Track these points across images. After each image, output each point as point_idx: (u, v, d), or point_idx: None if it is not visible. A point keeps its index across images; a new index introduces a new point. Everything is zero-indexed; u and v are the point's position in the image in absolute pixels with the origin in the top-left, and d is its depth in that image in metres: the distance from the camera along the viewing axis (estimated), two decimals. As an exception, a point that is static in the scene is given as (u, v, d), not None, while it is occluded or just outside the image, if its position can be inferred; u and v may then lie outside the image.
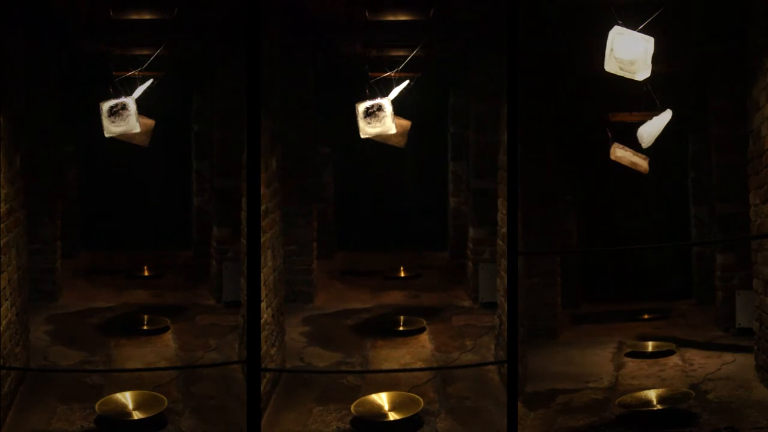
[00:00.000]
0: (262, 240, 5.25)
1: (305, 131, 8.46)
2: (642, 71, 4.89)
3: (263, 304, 5.30)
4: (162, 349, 6.57)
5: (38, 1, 6.13)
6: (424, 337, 7.27)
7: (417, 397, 5.54)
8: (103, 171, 10.15)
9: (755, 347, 5.98)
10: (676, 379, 6.06)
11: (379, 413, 5.38)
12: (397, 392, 5.67)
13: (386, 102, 6.45)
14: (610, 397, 5.65)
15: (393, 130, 6.42)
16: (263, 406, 5.31)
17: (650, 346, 6.70)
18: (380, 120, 6.38)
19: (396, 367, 6.40)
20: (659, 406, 5.37)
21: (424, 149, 11.37)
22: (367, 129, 6.45)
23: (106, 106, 5.94)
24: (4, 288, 5.12)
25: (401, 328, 7.47)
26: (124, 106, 5.93)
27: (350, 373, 6.24)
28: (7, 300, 5.12)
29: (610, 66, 4.92)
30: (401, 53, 7.71)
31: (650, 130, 6.32)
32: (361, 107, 6.36)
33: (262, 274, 5.22)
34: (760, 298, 5.80)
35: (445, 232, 11.38)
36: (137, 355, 6.40)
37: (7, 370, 4.93)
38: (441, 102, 11.10)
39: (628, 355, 6.61)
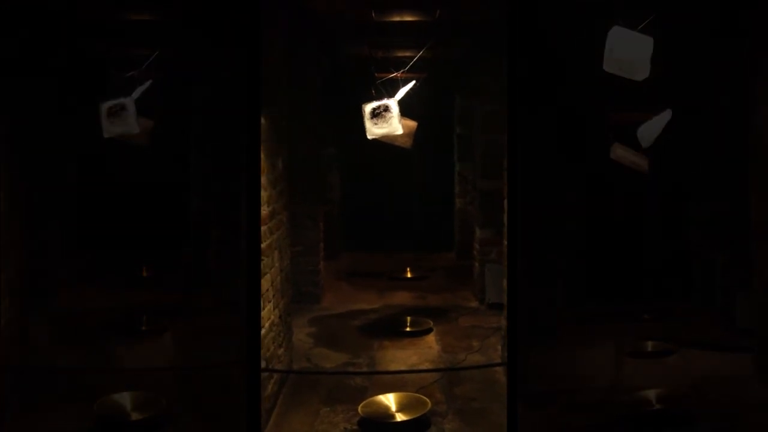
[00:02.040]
0: (269, 241, 5.25)
1: (311, 132, 8.48)
2: (641, 71, 4.89)
3: (270, 305, 5.30)
4: (161, 349, 6.57)
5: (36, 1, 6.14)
6: (431, 338, 7.27)
7: (424, 398, 5.54)
8: (102, 171, 10.18)
9: (756, 347, 5.96)
10: (676, 379, 6.05)
11: (386, 414, 5.37)
12: (405, 393, 5.67)
13: (393, 103, 6.44)
14: (610, 397, 5.64)
15: (400, 131, 6.42)
16: (270, 407, 5.32)
17: (650, 345, 6.69)
18: (387, 121, 6.37)
19: (403, 368, 6.39)
20: (659, 406, 5.36)
21: (430, 150, 11.38)
22: (374, 130, 6.43)
23: (105, 106, 5.95)
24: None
25: (408, 329, 7.48)
26: (122, 107, 5.93)
27: (357, 374, 6.24)
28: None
29: (610, 66, 4.92)
30: (407, 54, 7.71)
31: (650, 129, 6.31)
32: (368, 108, 6.36)
33: (269, 275, 5.22)
34: (761, 298, 5.78)
35: (451, 232, 11.40)
36: (135, 355, 6.41)
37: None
38: (447, 103, 11.12)
39: (629, 354, 6.59)
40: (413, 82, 6.67)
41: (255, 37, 3.52)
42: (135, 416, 5.14)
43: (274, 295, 5.46)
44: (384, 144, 6.67)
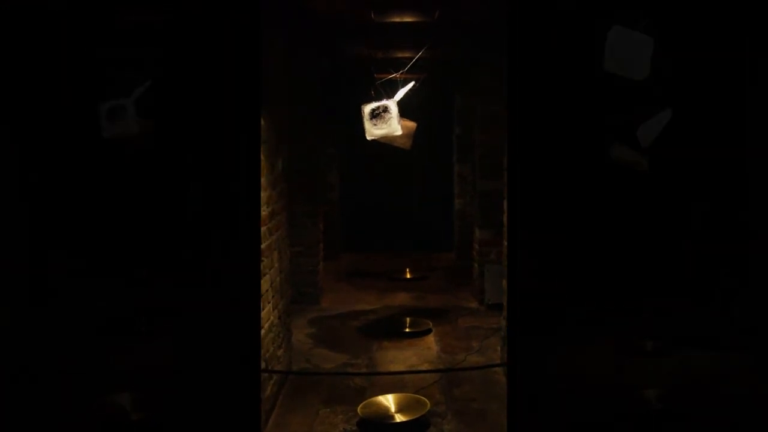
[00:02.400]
0: (269, 242, 5.25)
1: (311, 132, 8.49)
2: (642, 71, 4.90)
3: (269, 306, 5.30)
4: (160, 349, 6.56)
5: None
6: (431, 339, 7.27)
7: (423, 398, 5.54)
8: (103, 171, 10.19)
9: (755, 346, 5.97)
10: (676, 377, 6.04)
11: (385, 415, 5.37)
12: (404, 394, 5.67)
13: (392, 103, 6.44)
14: (609, 395, 5.63)
15: (399, 132, 6.42)
16: (269, 408, 5.32)
17: (650, 345, 6.69)
18: (386, 121, 6.37)
19: (402, 368, 6.39)
20: (659, 406, 5.36)
21: (430, 151, 11.38)
22: (373, 130, 6.44)
23: (105, 107, 5.98)
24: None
25: (407, 330, 7.48)
26: (123, 108, 5.96)
27: (357, 375, 6.24)
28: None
29: (610, 65, 4.93)
30: (407, 54, 7.71)
31: (650, 129, 6.31)
32: (367, 109, 6.36)
33: (268, 276, 5.22)
34: (759, 296, 5.79)
35: (450, 233, 11.41)
36: (135, 355, 6.39)
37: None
38: (447, 103, 11.13)
39: (628, 353, 6.58)
40: (412, 83, 6.67)
41: (255, 37, 3.52)
42: (136, 416, 5.13)
43: (273, 296, 5.46)
44: (384, 144, 6.68)
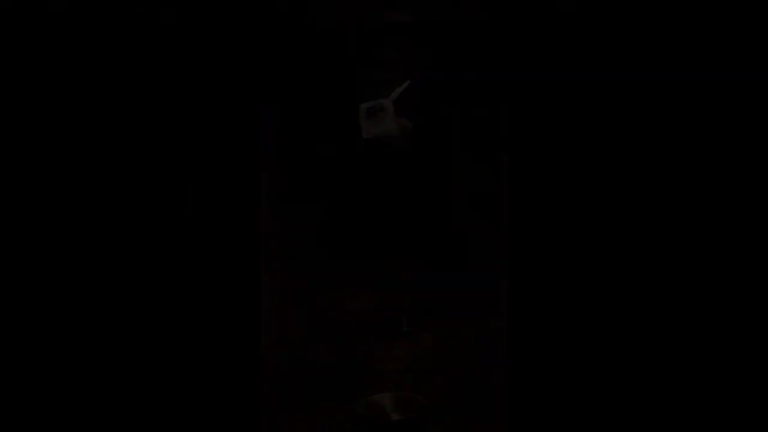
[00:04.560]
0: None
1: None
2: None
3: (267, 302, 5.30)
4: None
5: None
6: (429, 338, 7.27)
7: (421, 398, 5.54)
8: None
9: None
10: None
11: (382, 414, 5.38)
12: (401, 393, 5.67)
13: (388, 103, 6.47)
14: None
15: (395, 132, 6.45)
16: (264, 407, 5.32)
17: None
18: (382, 121, 6.41)
19: (400, 367, 6.40)
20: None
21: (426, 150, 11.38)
22: (369, 130, 6.47)
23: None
24: None
25: (405, 328, 7.48)
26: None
27: (353, 373, 6.24)
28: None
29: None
30: (405, 53, 7.70)
31: None
32: (363, 107, 6.39)
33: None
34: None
35: (447, 231, 11.42)
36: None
37: None
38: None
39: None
40: (408, 82, 6.70)
41: (255, 37, 3.53)
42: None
43: (271, 293, 5.46)
44: (380, 143, 6.70)
